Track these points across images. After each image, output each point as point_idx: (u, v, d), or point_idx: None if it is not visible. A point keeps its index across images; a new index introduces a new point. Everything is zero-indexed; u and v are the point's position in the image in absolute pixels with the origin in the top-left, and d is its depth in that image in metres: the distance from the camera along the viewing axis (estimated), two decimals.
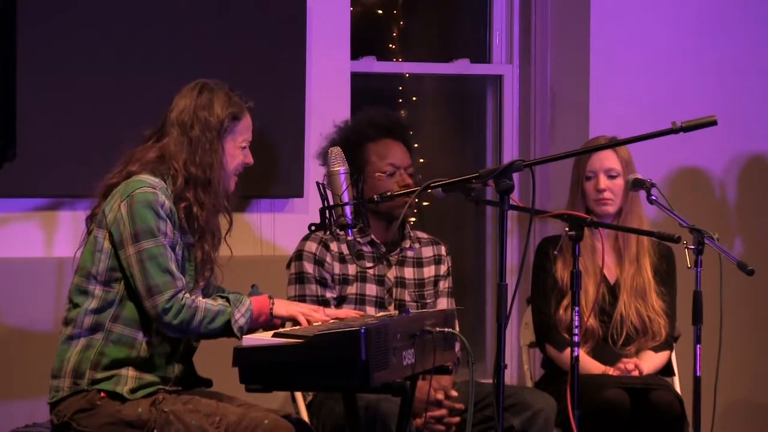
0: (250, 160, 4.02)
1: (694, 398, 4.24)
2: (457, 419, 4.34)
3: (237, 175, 4.01)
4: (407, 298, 4.54)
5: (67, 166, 4.91)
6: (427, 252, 4.63)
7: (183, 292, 3.78)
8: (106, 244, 3.83)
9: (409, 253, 4.59)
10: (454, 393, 4.37)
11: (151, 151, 3.92)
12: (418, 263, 4.60)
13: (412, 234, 4.62)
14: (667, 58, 5.74)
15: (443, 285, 4.63)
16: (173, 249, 3.83)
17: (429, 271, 4.61)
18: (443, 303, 4.60)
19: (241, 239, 4.89)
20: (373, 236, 4.50)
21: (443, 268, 4.64)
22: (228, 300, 3.88)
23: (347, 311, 4.13)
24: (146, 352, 3.84)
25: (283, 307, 3.91)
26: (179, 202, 3.87)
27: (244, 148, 3.99)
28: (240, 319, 3.82)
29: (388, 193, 4.10)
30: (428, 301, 4.57)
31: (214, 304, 3.84)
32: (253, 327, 3.86)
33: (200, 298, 3.85)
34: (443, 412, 4.32)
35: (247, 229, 5.26)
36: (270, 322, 3.89)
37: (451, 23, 6.12)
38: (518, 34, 5.89)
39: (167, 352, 3.89)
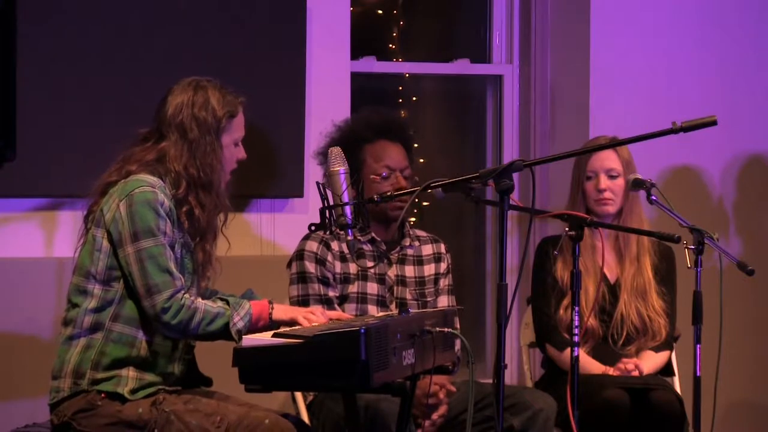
0: (244, 155, 4.01)
1: (694, 398, 4.24)
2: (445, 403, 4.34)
3: (231, 172, 4.00)
4: (408, 296, 4.53)
5: (67, 166, 4.91)
6: (427, 250, 4.63)
7: (182, 291, 3.78)
8: (105, 243, 3.83)
9: (409, 251, 4.59)
10: (452, 388, 4.36)
11: (150, 152, 3.90)
12: (419, 261, 4.60)
13: (411, 233, 4.62)
14: (667, 58, 5.73)
15: (443, 283, 4.63)
16: (172, 248, 3.83)
17: (429, 269, 4.61)
18: (443, 301, 4.60)
19: (241, 239, 4.89)
20: (373, 234, 4.50)
21: (443, 266, 4.64)
22: (227, 302, 3.88)
23: (345, 315, 4.13)
24: (146, 351, 3.83)
25: (282, 312, 3.90)
26: (181, 206, 3.86)
27: (238, 144, 3.99)
28: (239, 322, 3.82)
29: (388, 193, 4.10)
30: (429, 299, 4.57)
31: (214, 306, 3.83)
32: (251, 331, 3.83)
33: (199, 299, 3.85)
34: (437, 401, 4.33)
35: (247, 229, 5.26)
36: (269, 327, 3.87)
37: (451, 23, 6.12)
38: (518, 34, 5.89)
39: (167, 351, 3.88)
